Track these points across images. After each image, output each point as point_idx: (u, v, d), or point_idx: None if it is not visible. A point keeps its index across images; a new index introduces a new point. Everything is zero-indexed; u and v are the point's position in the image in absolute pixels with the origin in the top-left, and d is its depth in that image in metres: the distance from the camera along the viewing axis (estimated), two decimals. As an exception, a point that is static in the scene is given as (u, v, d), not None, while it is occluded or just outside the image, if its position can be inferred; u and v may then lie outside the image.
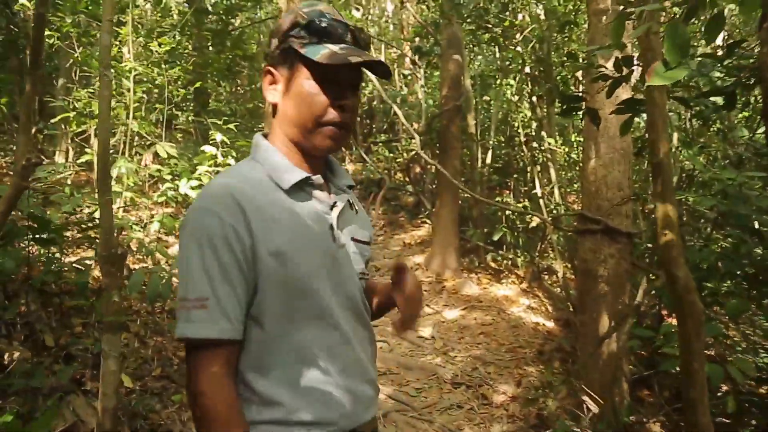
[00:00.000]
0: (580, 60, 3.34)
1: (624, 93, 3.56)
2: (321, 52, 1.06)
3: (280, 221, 1.06)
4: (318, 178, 1.15)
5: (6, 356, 2.93)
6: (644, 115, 3.22)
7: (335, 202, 1.18)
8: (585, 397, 3.13)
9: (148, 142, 5.06)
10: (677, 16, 2.13)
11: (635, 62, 2.48)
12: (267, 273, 1.03)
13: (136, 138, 5.16)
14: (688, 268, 3.36)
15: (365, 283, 1.24)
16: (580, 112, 2.73)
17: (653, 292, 3.99)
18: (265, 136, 1.18)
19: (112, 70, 5.06)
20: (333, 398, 1.09)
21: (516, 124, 7.66)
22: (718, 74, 2.75)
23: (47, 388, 2.75)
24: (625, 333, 2.95)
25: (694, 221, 4.61)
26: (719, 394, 3.25)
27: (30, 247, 3.17)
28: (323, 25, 1.08)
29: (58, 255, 3.66)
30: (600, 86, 3.13)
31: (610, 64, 2.74)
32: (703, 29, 1.79)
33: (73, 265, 3.37)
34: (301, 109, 1.09)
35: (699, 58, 2.47)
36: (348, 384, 1.12)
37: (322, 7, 1.12)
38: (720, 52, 3.52)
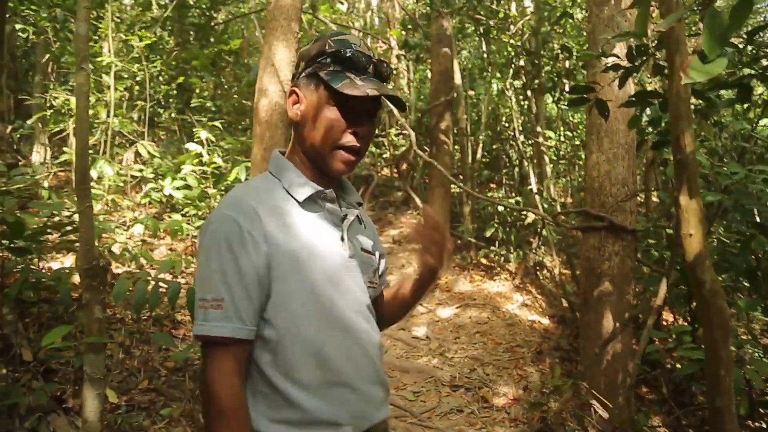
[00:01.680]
0: (574, 53, 3.22)
1: (629, 86, 3.45)
2: (342, 82, 1.14)
3: (294, 230, 1.15)
4: (331, 192, 1.23)
5: (-20, 373, 2.73)
6: (648, 109, 3.12)
7: (346, 215, 1.26)
8: (593, 401, 3.02)
9: (129, 141, 4.83)
10: (705, 1, 2.01)
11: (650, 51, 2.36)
12: (281, 278, 1.11)
13: (117, 137, 4.92)
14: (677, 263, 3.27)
15: (374, 292, 1.31)
16: (584, 106, 2.59)
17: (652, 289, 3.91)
18: (282, 153, 1.28)
19: (91, 66, 4.83)
20: (347, 399, 1.14)
21: (505, 119, 7.55)
22: (728, 63, 2.64)
23: (25, 408, 2.55)
24: (645, 336, 2.83)
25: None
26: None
27: (4, 255, 2.96)
28: (347, 55, 1.17)
29: (36, 261, 3.45)
30: (604, 78, 3.01)
31: (620, 54, 2.62)
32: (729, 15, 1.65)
33: (52, 274, 3.16)
34: (319, 130, 1.18)
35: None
36: (360, 385, 1.17)
37: (349, 38, 1.21)
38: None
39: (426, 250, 1.26)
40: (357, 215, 1.32)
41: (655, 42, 2.48)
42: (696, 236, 1.92)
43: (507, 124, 7.50)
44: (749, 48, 2.37)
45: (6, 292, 2.99)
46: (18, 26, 5.01)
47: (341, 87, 1.13)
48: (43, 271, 3.67)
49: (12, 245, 2.73)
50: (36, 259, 3.43)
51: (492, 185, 9.27)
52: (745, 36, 2.19)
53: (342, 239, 1.22)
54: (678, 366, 3.97)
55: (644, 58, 2.43)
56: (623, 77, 2.48)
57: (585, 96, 2.56)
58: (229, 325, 1.06)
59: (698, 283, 1.93)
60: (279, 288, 1.11)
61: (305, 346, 1.12)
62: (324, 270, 1.15)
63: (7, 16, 4.82)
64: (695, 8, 2.05)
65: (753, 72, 2.53)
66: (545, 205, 6.42)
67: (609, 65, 2.45)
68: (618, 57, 2.48)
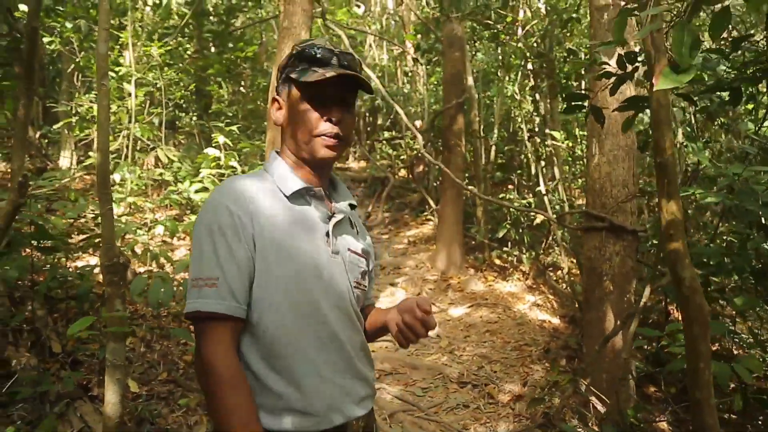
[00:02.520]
0: (582, 56, 3.31)
1: (628, 89, 3.53)
2: (307, 74, 1.23)
3: (280, 221, 1.20)
4: (319, 190, 1.28)
5: (14, 363, 2.94)
6: (648, 112, 3.20)
7: (334, 213, 1.30)
8: (591, 397, 3.12)
9: (150, 146, 5.06)
10: (682, 13, 2.11)
11: (639, 59, 2.45)
12: (264, 265, 1.16)
13: (138, 142, 5.16)
14: (694, 265, 3.35)
15: (361, 293, 1.34)
16: (584, 110, 2.69)
17: (659, 289, 3.97)
18: (278, 153, 1.34)
19: (113, 74, 5.07)
20: (321, 390, 1.18)
21: (519, 120, 7.61)
22: (723, 68, 2.72)
23: (54, 395, 2.76)
24: (631, 332, 2.92)
25: (701, 217, 4.58)
26: (727, 391, 3.23)
27: (34, 254, 3.18)
28: (311, 52, 1.26)
29: (63, 260, 3.67)
30: (603, 83, 3.11)
31: (613, 61, 2.72)
32: (708, 25, 1.75)
33: (78, 272, 3.37)
34: (297, 125, 1.26)
35: (704, 54, 2.43)
36: (337, 379, 1.21)
37: (315, 41, 1.29)
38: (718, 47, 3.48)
39: (404, 328, 1.23)
40: (349, 218, 1.36)
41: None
42: (675, 235, 2.02)
43: (523, 126, 7.56)
44: (737, 54, 2.45)
45: (36, 289, 3.21)
46: (45, 38, 5.28)
47: (306, 78, 1.22)
48: (70, 269, 3.89)
49: (40, 245, 2.94)
50: (63, 258, 3.64)
51: (510, 186, 9.33)
52: (730, 42, 2.28)
53: (327, 235, 1.26)
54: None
55: (635, 65, 2.53)
56: (615, 84, 2.58)
57: (579, 103, 2.66)
58: (224, 302, 1.11)
59: (678, 280, 2.03)
60: (261, 274, 1.16)
61: (282, 334, 1.15)
62: (305, 262, 1.19)
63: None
64: (671, 20, 2.15)
65: (745, 75, 2.61)
66: (557, 207, 6.48)
67: (601, 72, 2.55)
68: (608, 64, 2.58)
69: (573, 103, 2.68)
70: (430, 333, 4.71)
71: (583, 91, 2.65)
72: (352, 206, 1.37)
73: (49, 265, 3.21)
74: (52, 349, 3.13)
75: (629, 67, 2.50)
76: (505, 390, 4.25)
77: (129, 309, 3.79)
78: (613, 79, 2.59)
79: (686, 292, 2.01)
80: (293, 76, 1.26)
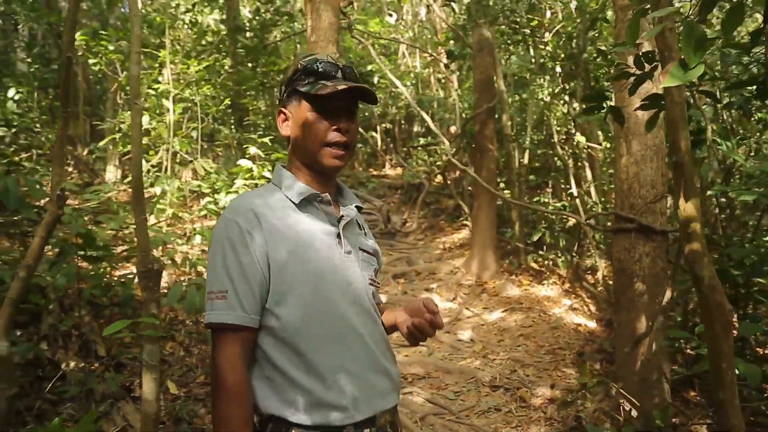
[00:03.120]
0: (608, 56, 3.30)
1: (654, 89, 3.49)
2: (315, 87, 1.31)
3: (291, 228, 1.26)
4: (326, 196, 1.34)
5: (63, 365, 3.14)
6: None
7: (342, 216, 1.37)
8: (622, 401, 3.08)
9: (188, 159, 5.29)
10: (691, 11, 2.10)
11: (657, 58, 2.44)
12: (279, 271, 1.22)
13: (178, 155, 5.40)
14: (733, 266, 3.27)
15: (375, 289, 1.40)
16: (603, 111, 2.69)
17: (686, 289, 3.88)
18: (284, 166, 1.42)
19: (152, 91, 5.33)
20: (346, 385, 1.23)
21: (553, 123, 7.55)
22: (746, 61, 2.67)
23: (99, 395, 2.94)
24: (662, 333, 2.88)
25: (739, 216, 4.44)
26: (766, 394, 3.13)
27: (81, 264, 3.38)
28: (315, 67, 1.33)
29: (108, 270, 3.88)
30: (625, 84, 3.09)
31: (631, 61, 2.71)
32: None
33: (120, 279, 3.57)
34: (306, 135, 1.33)
35: (723, 49, 2.41)
36: (361, 373, 1.26)
37: (317, 55, 1.37)
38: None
39: (414, 329, 1.29)
40: (356, 220, 1.43)
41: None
42: (694, 234, 2.01)
43: (554, 129, 7.49)
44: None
45: (83, 296, 3.42)
46: (90, 60, 5.60)
47: (315, 91, 1.29)
48: (114, 278, 4.11)
49: (87, 255, 3.13)
50: (108, 267, 3.85)
51: (548, 189, 9.23)
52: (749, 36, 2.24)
53: (338, 236, 1.32)
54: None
55: (654, 64, 2.51)
56: (634, 84, 2.57)
57: (599, 104, 2.66)
58: (232, 313, 1.18)
59: (697, 280, 2.01)
60: (278, 281, 1.22)
61: (304, 333, 1.22)
62: (319, 264, 1.25)
63: (79, 54, 5.47)
64: (679, 19, 2.14)
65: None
66: (592, 209, 6.39)
67: (618, 73, 2.55)
68: (625, 64, 2.58)
69: (591, 104, 2.68)
70: (464, 337, 4.69)
71: (602, 92, 2.65)
72: (358, 208, 1.44)
73: (93, 274, 3.41)
74: (98, 352, 3.32)
75: (647, 67, 2.49)
76: (537, 393, 4.23)
77: (169, 315, 3.97)
78: (632, 78, 2.59)
79: (706, 291, 1.99)
80: (302, 89, 1.33)
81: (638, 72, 2.55)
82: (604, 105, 2.70)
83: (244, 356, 1.20)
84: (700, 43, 1.67)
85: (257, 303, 1.22)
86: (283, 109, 1.39)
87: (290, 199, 1.31)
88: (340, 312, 1.26)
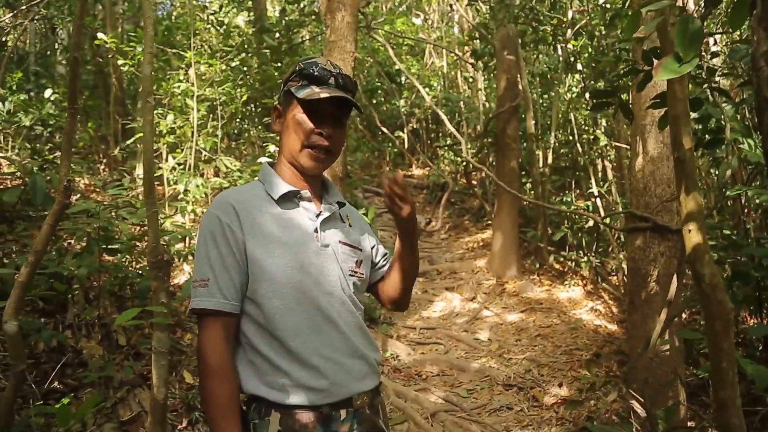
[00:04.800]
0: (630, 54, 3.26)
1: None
2: (305, 91, 1.38)
3: (269, 222, 1.35)
4: (306, 192, 1.43)
5: (85, 353, 3.28)
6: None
7: (321, 211, 1.44)
8: (632, 402, 3.05)
9: (212, 157, 5.43)
10: (694, 7, 2.08)
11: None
12: (256, 262, 1.31)
13: (202, 153, 5.54)
14: (754, 268, 3.19)
15: (358, 279, 1.47)
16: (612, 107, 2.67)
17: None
18: (271, 164, 1.49)
19: (177, 91, 5.49)
20: (322, 368, 1.31)
21: (580, 122, 7.45)
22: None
23: (117, 382, 3.06)
24: (655, 334, 2.83)
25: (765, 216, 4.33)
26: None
27: (103, 256, 3.52)
28: (311, 71, 1.40)
29: (130, 262, 4.02)
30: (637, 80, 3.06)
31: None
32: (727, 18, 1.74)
33: (138, 271, 3.70)
34: (292, 134, 1.41)
35: (734, 45, 2.37)
36: (336, 357, 1.33)
37: (317, 59, 1.44)
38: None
39: (392, 203, 1.37)
40: (339, 214, 1.50)
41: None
42: (694, 231, 1.99)
43: (583, 128, 7.40)
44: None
45: (102, 285, 3.57)
46: (120, 62, 5.80)
47: (302, 95, 1.36)
48: (134, 270, 4.26)
49: (107, 247, 3.27)
50: (129, 260, 3.99)
51: (577, 190, 9.11)
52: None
53: (315, 230, 1.39)
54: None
55: (661, 60, 2.49)
56: (642, 81, 2.55)
57: (606, 100, 2.65)
58: (213, 299, 1.27)
59: (698, 277, 1.99)
60: (255, 271, 1.30)
61: (281, 321, 1.29)
62: (294, 256, 1.33)
63: (109, 56, 5.68)
64: (677, 14, 2.11)
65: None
66: (613, 209, 6.30)
67: (626, 69, 2.53)
68: (632, 60, 2.56)
69: (600, 101, 2.67)
70: (481, 336, 4.69)
71: (610, 89, 2.63)
72: (340, 204, 1.51)
73: (113, 266, 3.55)
74: (119, 342, 3.46)
75: (656, 62, 2.47)
76: (550, 393, 4.20)
77: (186, 306, 4.09)
78: (641, 75, 2.57)
79: (706, 289, 1.96)
80: (293, 90, 1.40)
81: (646, 68, 2.54)
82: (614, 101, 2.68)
83: (227, 338, 1.29)
84: (695, 36, 1.66)
85: (237, 290, 1.30)
86: (278, 106, 1.48)
87: (270, 195, 1.39)
88: (316, 302, 1.33)
